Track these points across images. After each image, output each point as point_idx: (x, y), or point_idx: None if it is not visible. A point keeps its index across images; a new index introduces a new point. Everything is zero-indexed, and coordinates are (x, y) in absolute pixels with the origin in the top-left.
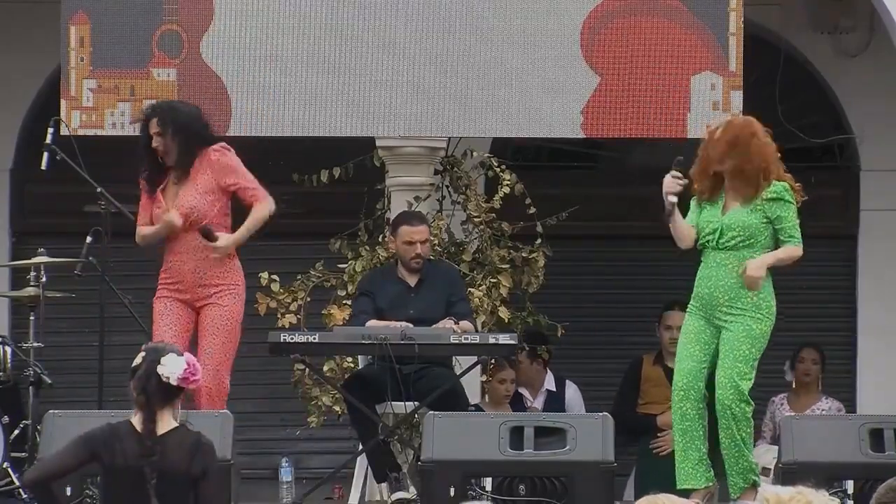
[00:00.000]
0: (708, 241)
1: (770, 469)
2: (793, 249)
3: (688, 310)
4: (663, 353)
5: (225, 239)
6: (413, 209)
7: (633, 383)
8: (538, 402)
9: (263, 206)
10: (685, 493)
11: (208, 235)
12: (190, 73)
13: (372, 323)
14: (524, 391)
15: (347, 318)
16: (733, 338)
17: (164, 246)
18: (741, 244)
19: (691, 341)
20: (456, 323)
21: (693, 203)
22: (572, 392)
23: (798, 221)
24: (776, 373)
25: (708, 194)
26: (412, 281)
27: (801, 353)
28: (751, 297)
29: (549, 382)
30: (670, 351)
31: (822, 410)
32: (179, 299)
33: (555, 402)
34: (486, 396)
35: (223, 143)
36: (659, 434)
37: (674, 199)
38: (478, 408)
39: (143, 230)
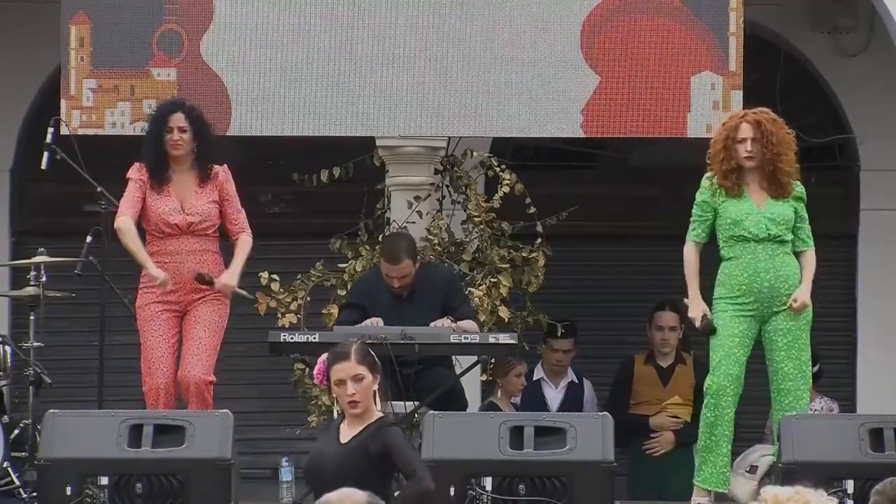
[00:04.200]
0: (754, 235)
1: (757, 466)
2: (813, 256)
3: (724, 305)
4: (654, 353)
5: (228, 277)
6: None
7: (624, 383)
8: (560, 392)
9: (248, 239)
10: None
11: (204, 280)
12: (190, 73)
13: (373, 321)
14: (547, 380)
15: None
16: (798, 329)
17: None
18: (786, 236)
19: (737, 345)
20: (453, 321)
21: (707, 192)
22: (588, 385)
23: None
24: None
25: (734, 189)
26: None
27: None
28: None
29: (571, 374)
30: (661, 351)
31: (815, 410)
32: (168, 309)
33: (576, 392)
34: (499, 392)
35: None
36: (652, 435)
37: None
38: (492, 404)
39: (131, 242)
